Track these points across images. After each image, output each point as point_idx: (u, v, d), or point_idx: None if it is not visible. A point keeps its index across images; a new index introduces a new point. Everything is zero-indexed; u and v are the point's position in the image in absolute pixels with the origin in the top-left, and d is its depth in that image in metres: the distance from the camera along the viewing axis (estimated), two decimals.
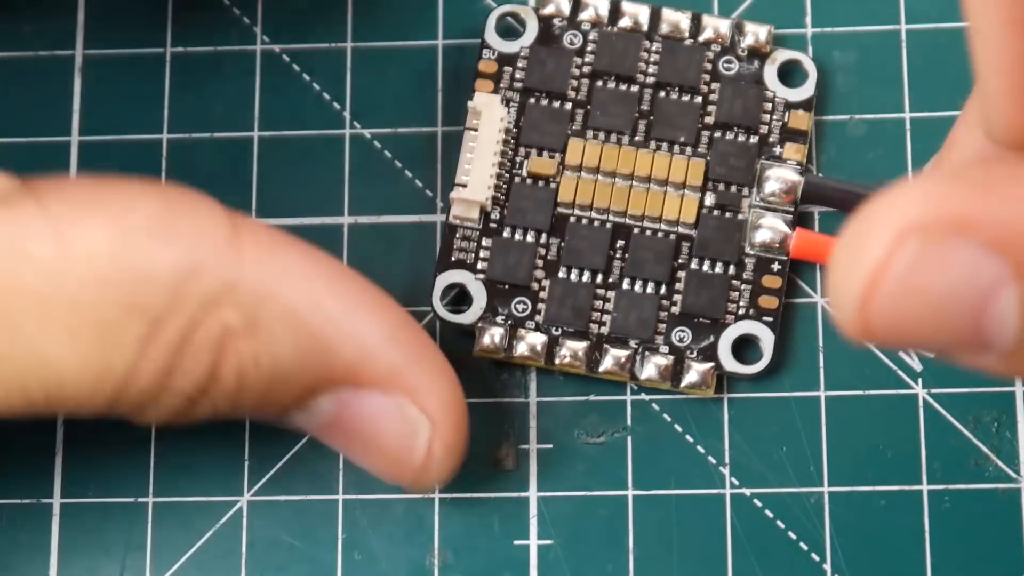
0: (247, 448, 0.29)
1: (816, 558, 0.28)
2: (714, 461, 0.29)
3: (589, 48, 0.30)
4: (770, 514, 0.29)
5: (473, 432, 0.27)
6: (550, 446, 0.29)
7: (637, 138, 0.29)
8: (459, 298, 0.29)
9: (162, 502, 0.29)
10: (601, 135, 0.29)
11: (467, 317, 0.29)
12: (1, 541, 0.29)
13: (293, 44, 0.31)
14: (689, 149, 0.29)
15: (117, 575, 0.29)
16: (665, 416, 0.29)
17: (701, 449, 0.29)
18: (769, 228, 0.29)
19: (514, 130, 0.30)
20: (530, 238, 0.29)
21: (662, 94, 0.30)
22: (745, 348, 0.29)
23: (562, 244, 0.29)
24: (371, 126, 0.31)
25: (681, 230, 0.29)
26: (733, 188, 0.29)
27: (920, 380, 0.29)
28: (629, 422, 0.29)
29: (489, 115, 0.29)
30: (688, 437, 0.29)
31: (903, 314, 0.18)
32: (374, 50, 0.31)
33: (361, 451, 0.26)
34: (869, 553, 0.28)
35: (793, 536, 0.29)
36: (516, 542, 0.29)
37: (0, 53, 0.31)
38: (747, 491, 0.29)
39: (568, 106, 0.30)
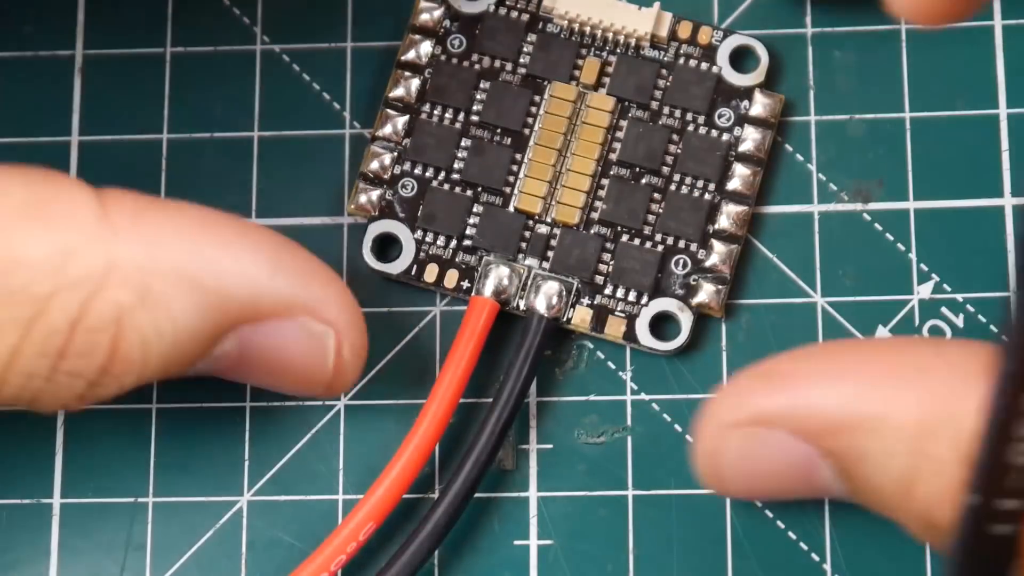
0: (247, 448, 0.29)
1: (816, 558, 0.28)
2: None
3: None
4: (770, 514, 0.29)
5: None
6: (550, 446, 0.29)
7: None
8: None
9: (162, 502, 0.29)
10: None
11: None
12: (1, 541, 0.29)
13: (293, 44, 0.31)
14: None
15: (117, 575, 0.29)
16: (665, 416, 0.29)
17: None
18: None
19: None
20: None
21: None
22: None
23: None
24: (371, 126, 0.31)
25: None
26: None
27: None
28: (629, 422, 0.29)
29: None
30: (688, 437, 0.29)
31: (747, 483, 0.25)
32: (374, 50, 0.31)
33: (269, 378, 0.27)
34: (869, 553, 0.28)
35: (793, 536, 0.29)
36: (516, 542, 0.29)
37: (0, 53, 0.31)
38: None
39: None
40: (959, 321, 0.29)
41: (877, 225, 0.30)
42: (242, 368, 0.26)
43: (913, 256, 0.30)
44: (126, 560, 0.29)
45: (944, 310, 0.29)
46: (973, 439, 0.20)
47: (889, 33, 0.31)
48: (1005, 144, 0.30)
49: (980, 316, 0.29)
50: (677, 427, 0.29)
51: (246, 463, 0.29)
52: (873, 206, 0.30)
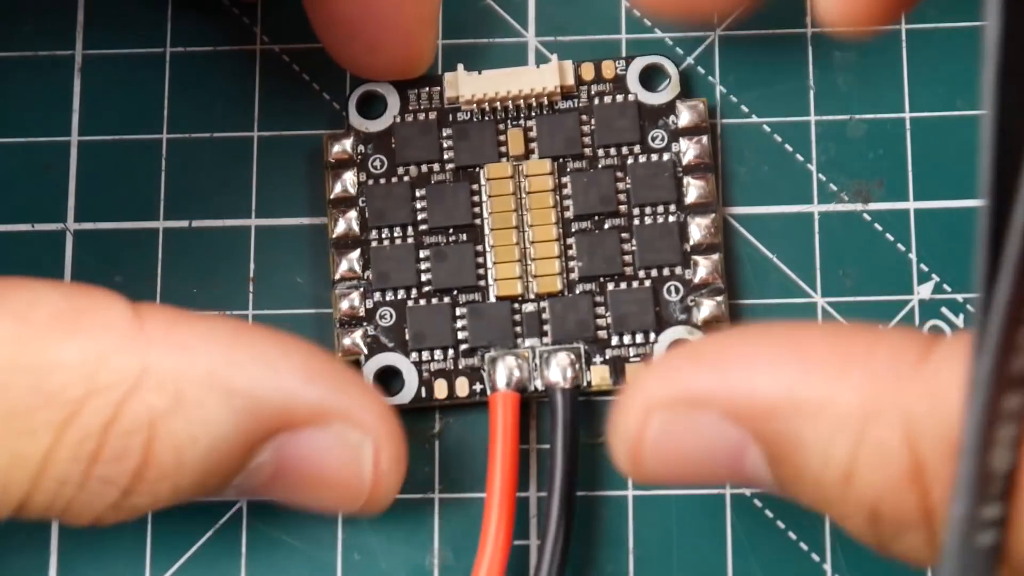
0: None
1: (816, 558, 0.28)
2: None
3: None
4: (770, 514, 0.29)
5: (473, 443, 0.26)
6: (550, 446, 0.29)
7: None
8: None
9: None
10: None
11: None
12: (1, 541, 0.29)
13: (293, 44, 0.31)
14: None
15: (117, 575, 0.29)
16: None
17: None
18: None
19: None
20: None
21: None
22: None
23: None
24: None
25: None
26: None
27: None
28: None
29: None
30: None
31: (667, 467, 0.24)
32: None
33: (308, 492, 0.26)
34: (869, 553, 0.28)
35: (793, 536, 0.29)
36: (516, 542, 0.29)
37: (0, 53, 0.31)
38: (747, 491, 0.29)
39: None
40: (959, 321, 0.29)
41: (877, 225, 0.30)
42: (279, 482, 0.25)
43: (913, 256, 0.30)
44: (126, 560, 0.29)
45: (944, 310, 0.29)
46: (954, 447, 0.19)
47: (889, 33, 0.31)
48: None
49: None
50: None
51: None
52: (873, 206, 0.30)
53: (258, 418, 0.24)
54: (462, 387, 0.29)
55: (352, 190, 0.30)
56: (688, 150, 0.29)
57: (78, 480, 0.23)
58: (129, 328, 0.24)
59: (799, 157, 0.30)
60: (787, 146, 0.30)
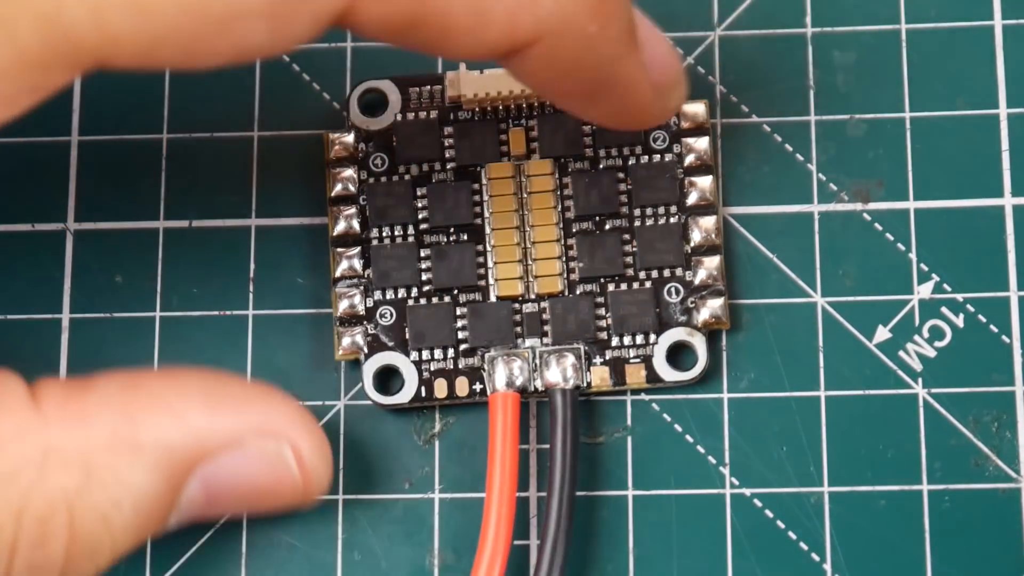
0: None
1: (816, 558, 0.28)
2: (714, 461, 0.29)
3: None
4: (770, 514, 0.29)
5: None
6: (550, 447, 0.29)
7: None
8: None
9: None
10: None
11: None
12: None
13: None
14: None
15: (118, 575, 0.29)
16: (665, 416, 0.29)
17: (701, 449, 0.29)
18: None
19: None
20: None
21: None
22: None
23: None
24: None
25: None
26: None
27: (920, 380, 0.29)
28: (629, 422, 0.29)
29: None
30: (688, 437, 0.29)
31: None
32: (375, 50, 0.31)
33: (245, 504, 0.26)
34: (869, 553, 0.28)
35: (793, 536, 0.29)
36: (516, 542, 0.29)
37: None
38: (747, 491, 0.29)
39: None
40: (959, 321, 0.29)
41: (877, 225, 0.30)
42: (215, 506, 0.26)
43: (913, 256, 0.30)
44: (126, 560, 0.29)
45: (944, 310, 0.29)
46: None
47: (889, 33, 0.31)
48: (1005, 144, 0.30)
49: (980, 316, 0.29)
50: (677, 427, 0.29)
51: None
52: (873, 206, 0.30)
53: (173, 464, 0.24)
54: (462, 387, 0.29)
55: (352, 188, 0.30)
56: (689, 151, 0.29)
57: (1, 571, 0.23)
58: (25, 410, 0.23)
59: (799, 157, 0.30)
60: (787, 146, 0.30)
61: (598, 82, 0.25)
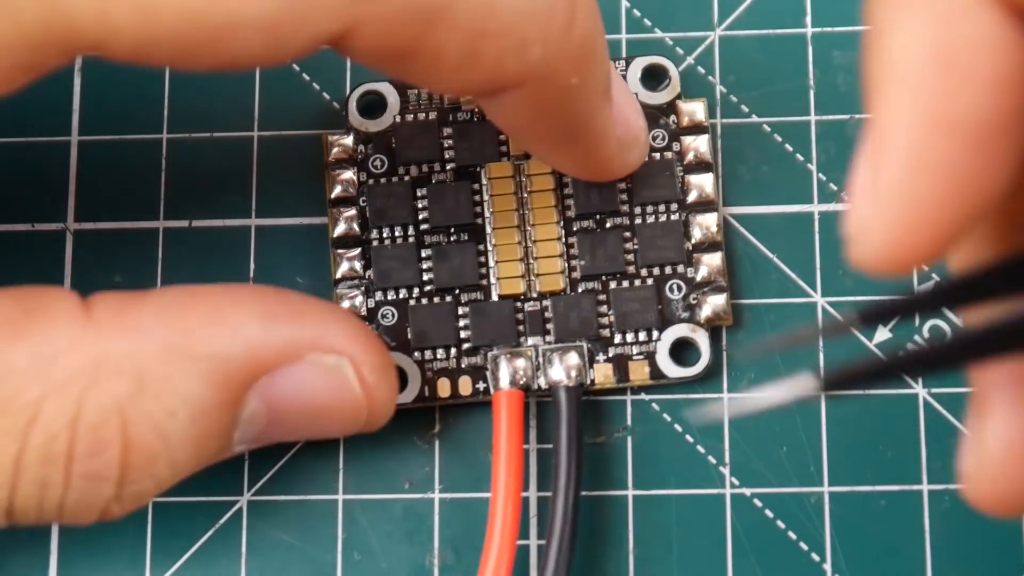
0: None
1: (816, 558, 0.28)
2: (714, 461, 0.29)
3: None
4: (770, 514, 0.29)
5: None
6: (550, 446, 0.29)
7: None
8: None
9: (162, 502, 0.29)
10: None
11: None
12: (1, 541, 0.29)
13: None
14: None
15: (117, 575, 0.29)
16: (665, 416, 0.29)
17: (701, 449, 0.29)
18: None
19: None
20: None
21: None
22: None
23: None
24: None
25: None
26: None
27: (920, 380, 0.29)
28: (629, 422, 0.29)
29: None
30: (688, 437, 0.29)
31: None
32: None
33: (310, 424, 0.26)
34: (869, 553, 0.28)
35: (793, 536, 0.29)
36: (516, 542, 0.29)
37: None
38: (747, 491, 0.29)
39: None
40: (959, 321, 0.29)
41: None
42: (278, 424, 0.26)
43: None
44: (126, 560, 0.29)
45: (944, 310, 0.29)
46: None
47: None
48: None
49: None
50: (677, 427, 0.29)
51: (246, 463, 0.29)
52: None
53: (228, 374, 0.24)
54: (465, 386, 0.29)
55: (352, 190, 0.30)
56: (689, 149, 0.29)
57: (60, 480, 0.23)
58: (78, 322, 0.24)
59: (799, 157, 0.30)
60: (787, 146, 0.30)
61: (569, 130, 0.26)
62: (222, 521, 0.29)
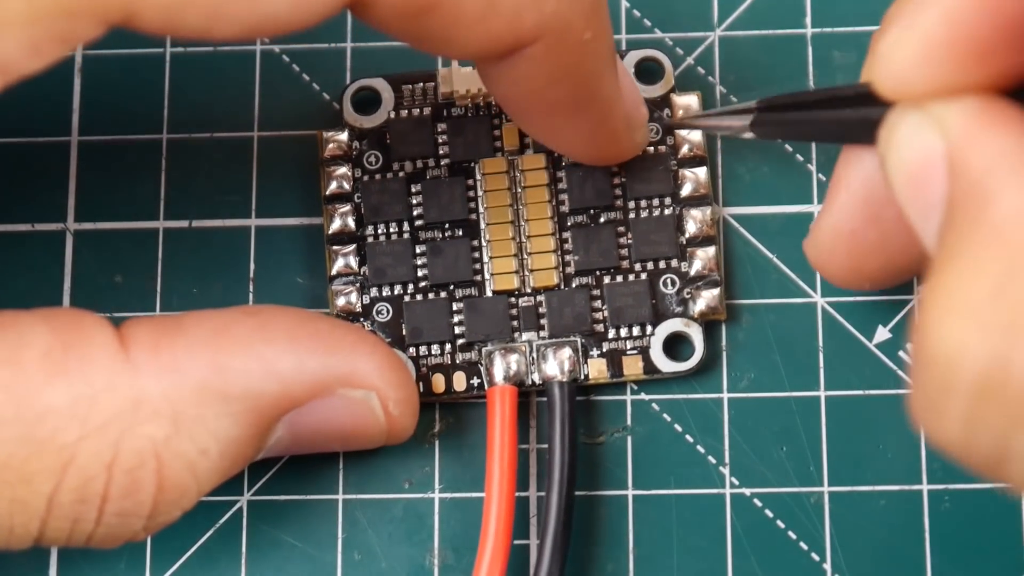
0: None
1: (816, 558, 0.28)
2: (714, 461, 0.29)
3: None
4: (770, 514, 0.29)
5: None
6: (548, 439, 0.29)
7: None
8: None
9: None
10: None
11: None
12: None
13: (293, 44, 0.31)
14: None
15: (118, 575, 0.29)
16: (665, 416, 0.29)
17: (701, 449, 0.29)
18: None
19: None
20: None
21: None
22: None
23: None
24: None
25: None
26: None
27: None
28: (629, 422, 0.29)
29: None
30: (688, 437, 0.29)
31: None
32: (374, 50, 0.31)
33: (330, 447, 0.27)
34: (869, 553, 0.28)
35: (793, 536, 0.29)
36: (516, 542, 0.29)
37: None
38: (747, 491, 0.29)
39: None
40: None
41: None
42: (299, 447, 0.26)
43: None
44: (126, 560, 0.29)
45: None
46: None
47: None
48: None
49: None
50: (677, 427, 0.29)
51: None
52: None
53: (260, 412, 0.25)
54: (459, 382, 0.29)
55: (347, 186, 0.30)
56: (683, 143, 0.29)
57: (93, 518, 0.24)
58: (116, 360, 0.24)
59: (799, 157, 0.30)
60: (787, 146, 0.30)
61: (581, 96, 0.26)
62: (222, 521, 0.29)
